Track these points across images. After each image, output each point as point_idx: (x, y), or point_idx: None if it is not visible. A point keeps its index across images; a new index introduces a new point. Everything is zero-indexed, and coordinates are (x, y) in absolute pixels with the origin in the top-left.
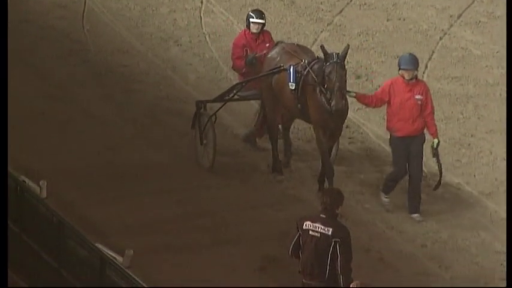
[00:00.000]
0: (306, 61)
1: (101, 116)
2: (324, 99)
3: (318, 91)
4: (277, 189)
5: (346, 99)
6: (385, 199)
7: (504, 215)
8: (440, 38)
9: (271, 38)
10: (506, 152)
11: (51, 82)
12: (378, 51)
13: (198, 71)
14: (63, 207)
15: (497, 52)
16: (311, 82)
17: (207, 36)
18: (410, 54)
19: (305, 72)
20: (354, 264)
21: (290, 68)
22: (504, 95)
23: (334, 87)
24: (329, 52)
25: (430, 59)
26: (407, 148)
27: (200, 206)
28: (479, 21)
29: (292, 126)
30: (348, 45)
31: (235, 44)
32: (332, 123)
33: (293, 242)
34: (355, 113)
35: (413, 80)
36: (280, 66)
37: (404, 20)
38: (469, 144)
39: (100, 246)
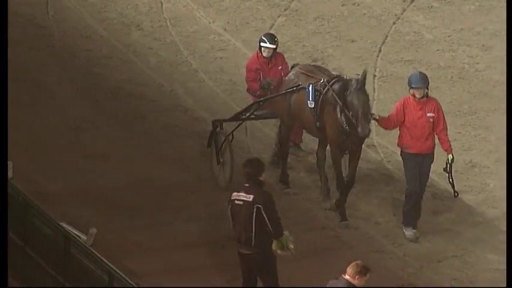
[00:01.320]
0: (326, 79)
1: (64, 98)
2: (343, 119)
3: (337, 110)
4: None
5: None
6: (409, 233)
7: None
8: (394, 23)
9: (284, 59)
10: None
11: (16, 66)
12: (333, 36)
13: (159, 55)
14: (29, 186)
15: (448, 36)
16: (331, 101)
17: (168, 21)
18: (420, 73)
19: (324, 91)
20: (310, 241)
21: (309, 86)
22: (455, 77)
23: (358, 114)
24: (347, 78)
25: (383, 43)
26: (418, 165)
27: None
28: (432, 6)
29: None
30: (365, 71)
31: (248, 68)
32: (349, 143)
33: (229, 216)
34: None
35: (424, 98)
36: (299, 85)
37: (358, 5)
38: None
39: (64, 225)
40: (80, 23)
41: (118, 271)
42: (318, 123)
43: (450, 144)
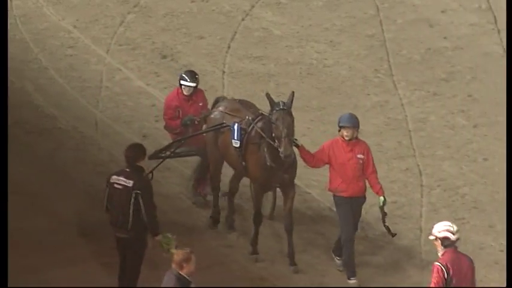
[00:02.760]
0: (250, 118)
1: None
2: (268, 157)
3: (261, 148)
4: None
5: (293, 149)
6: (338, 261)
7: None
8: (243, 19)
9: (204, 96)
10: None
11: None
12: (183, 32)
13: (10, 52)
14: None
15: (297, 32)
16: (255, 140)
17: (17, 19)
18: (350, 113)
19: (249, 129)
20: None
21: (234, 125)
22: (304, 73)
23: (281, 134)
24: (275, 101)
25: (232, 39)
26: (351, 208)
27: None
28: (280, 2)
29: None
30: (293, 92)
31: (167, 105)
32: (275, 182)
33: (105, 198)
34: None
35: (354, 140)
36: (223, 123)
37: (207, 1)
38: None
39: None
40: None
41: None
42: (243, 163)
43: (381, 187)
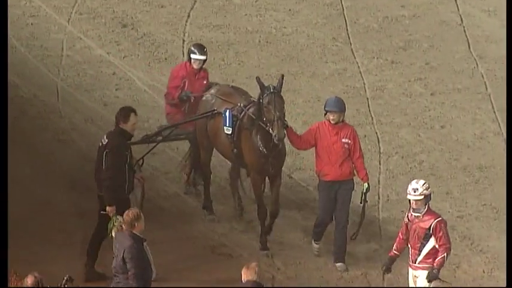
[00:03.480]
0: (242, 104)
1: None
2: (260, 143)
3: (253, 135)
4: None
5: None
6: (315, 245)
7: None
8: None
9: (208, 76)
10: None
11: None
12: (143, 1)
13: None
14: None
15: (256, 1)
16: (247, 126)
17: None
18: (336, 97)
19: (241, 116)
20: None
21: (226, 111)
22: (263, 41)
23: (273, 118)
24: (265, 85)
25: (192, 8)
26: (335, 194)
27: None
28: None
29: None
30: (283, 76)
31: (173, 75)
32: (269, 167)
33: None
34: None
35: (340, 124)
36: (214, 110)
37: None
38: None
39: None
40: None
41: None
42: (235, 150)
43: (367, 173)
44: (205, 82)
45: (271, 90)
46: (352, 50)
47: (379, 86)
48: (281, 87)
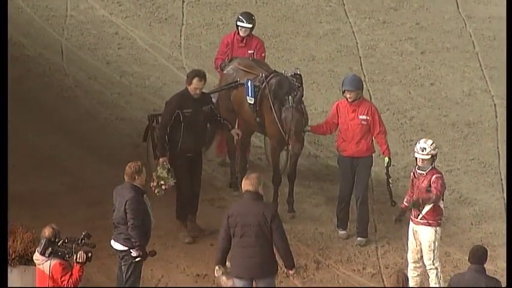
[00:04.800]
0: (264, 75)
1: None
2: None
3: (275, 106)
4: None
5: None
6: (341, 232)
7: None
8: None
9: (262, 46)
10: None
11: None
12: None
13: None
14: None
15: None
16: (268, 97)
17: None
18: (353, 75)
19: (263, 87)
20: None
21: (248, 82)
22: (260, 2)
23: (290, 132)
24: (285, 74)
25: None
26: (353, 169)
27: None
28: None
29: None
30: (303, 89)
31: (222, 41)
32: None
33: None
34: None
35: (358, 101)
36: (237, 81)
37: None
38: None
39: None
40: None
41: None
42: (257, 119)
43: (388, 147)
44: (250, 52)
45: (290, 103)
46: (345, 10)
47: (371, 45)
48: (300, 100)
